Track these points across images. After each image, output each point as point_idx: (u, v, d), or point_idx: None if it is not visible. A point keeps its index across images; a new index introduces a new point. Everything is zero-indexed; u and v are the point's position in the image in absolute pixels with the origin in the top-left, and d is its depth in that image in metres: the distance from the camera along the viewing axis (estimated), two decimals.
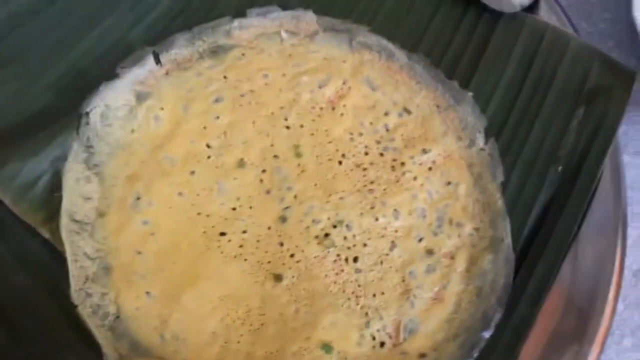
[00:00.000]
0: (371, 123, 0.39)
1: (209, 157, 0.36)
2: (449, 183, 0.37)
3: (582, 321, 0.32)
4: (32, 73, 0.37)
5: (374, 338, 0.32)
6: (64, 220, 0.33)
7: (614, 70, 0.39)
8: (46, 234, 0.33)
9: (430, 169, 0.38)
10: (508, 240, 0.35)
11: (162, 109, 0.37)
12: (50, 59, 0.38)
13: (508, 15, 0.41)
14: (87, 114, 0.35)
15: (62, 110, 0.35)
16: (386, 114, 0.39)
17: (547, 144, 0.37)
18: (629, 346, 0.35)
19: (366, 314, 0.33)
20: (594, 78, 0.39)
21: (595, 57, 0.40)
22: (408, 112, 0.40)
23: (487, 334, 0.32)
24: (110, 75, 0.36)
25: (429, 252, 0.35)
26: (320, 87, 0.40)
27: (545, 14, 0.42)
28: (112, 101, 0.36)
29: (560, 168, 0.37)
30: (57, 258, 0.33)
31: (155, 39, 0.40)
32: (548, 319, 0.32)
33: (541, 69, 0.40)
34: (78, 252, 0.33)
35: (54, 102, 0.37)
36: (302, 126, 0.38)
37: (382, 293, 0.34)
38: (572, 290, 0.33)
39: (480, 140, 0.38)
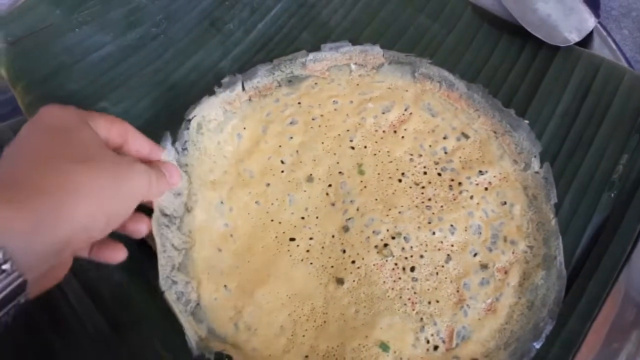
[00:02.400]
0: (430, 146, 0.42)
1: (282, 171, 0.41)
2: (504, 203, 0.40)
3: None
4: (136, 95, 0.43)
5: (428, 341, 0.35)
6: (156, 214, 0.37)
7: None
8: None
9: (486, 189, 0.40)
10: (560, 257, 0.36)
11: (244, 128, 0.42)
12: (151, 84, 0.44)
13: (564, 49, 0.44)
14: (189, 120, 0.41)
15: (158, 125, 0.41)
16: (445, 137, 0.43)
17: (601, 170, 0.39)
18: None
19: (421, 319, 0.35)
20: None
21: None
22: (466, 136, 0.43)
23: (537, 345, 0.33)
24: (209, 92, 0.42)
25: (484, 266, 0.37)
26: (383, 112, 0.44)
27: (598, 48, 0.45)
28: (207, 113, 0.41)
29: (613, 193, 0.38)
30: (146, 253, 0.38)
31: (241, 69, 0.45)
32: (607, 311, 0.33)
33: (596, 100, 0.42)
34: (166, 243, 0.37)
35: (153, 117, 0.42)
36: (365, 147, 0.42)
37: (437, 301, 0.36)
38: (628, 284, 0.34)
39: (535, 164, 0.41)
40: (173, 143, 0.39)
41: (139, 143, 0.34)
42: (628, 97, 0.41)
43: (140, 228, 0.34)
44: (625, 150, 0.39)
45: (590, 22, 0.44)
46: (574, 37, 0.44)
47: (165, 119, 0.42)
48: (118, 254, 0.34)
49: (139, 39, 0.46)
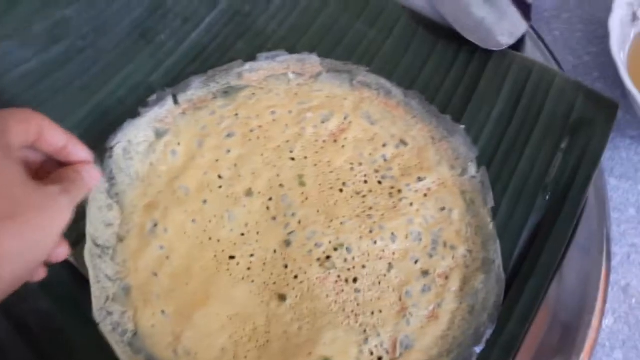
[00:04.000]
0: (370, 154, 0.42)
1: (220, 187, 0.40)
2: (443, 208, 0.40)
3: (567, 335, 0.34)
4: (62, 114, 0.41)
5: (372, 353, 0.34)
6: (88, 245, 0.36)
7: (597, 102, 0.42)
8: (71, 259, 0.37)
9: (425, 195, 0.40)
10: (499, 261, 0.37)
11: (178, 144, 0.41)
12: (77, 101, 0.42)
13: (497, 54, 0.45)
14: (112, 148, 0.39)
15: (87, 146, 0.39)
16: (384, 145, 0.42)
17: (535, 173, 0.40)
18: (620, 358, 0.37)
19: (364, 330, 0.35)
20: (578, 110, 0.42)
21: (579, 91, 0.43)
22: (404, 143, 0.43)
23: (478, 349, 0.34)
24: (133, 114, 0.40)
25: (425, 272, 0.37)
26: (323, 122, 0.43)
27: (530, 50, 0.46)
28: (133, 137, 0.40)
29: (548, 195, 0.39)
30: (78, 281, 0.36)
31: (174, 81, 0.44)
32: (535, 334, 0.34)
33: (529, 103, 0.43)
34: (100, 274, 0.36)
35: (81, 139, 0.40)
36: (306, 158, 0.42)
37: (380, 311, 0.36)
38: (558, 307, 0.35)
39: (472, 169, 0.41)
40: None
41: (54, 137, 0.32)
42: (559, 99, 0.42)
43: (59, 253, 0.32)
44: (557, 152, 0.40)
45: (523, 25, 0.45)
46: (507, 41, 0.44)
47: (94, 139, 0.40)
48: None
49: (64, 53, 0.44)
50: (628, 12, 0.44)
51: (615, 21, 0.43)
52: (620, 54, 0.43)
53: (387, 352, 0.34)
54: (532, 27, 0.46)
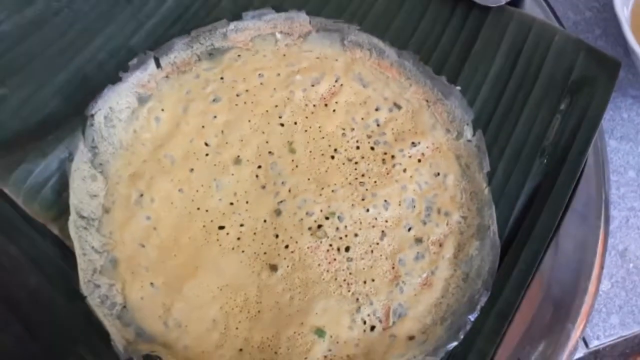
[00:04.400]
0: (362, 118, 0.41)
1: (207, 154, 0.38)
2: (437, 174, 0.39)
3: (563, 302, 0.33)
4: (40, 80, 0.39)
5: (364, 322, 0.34)
6: (72, 217, 0.35)
7: (599, 61, 0.40)
8: (56, 231, 0.36)
9: (419, 161, 0.39)
10: (494, 227, 0.36)
11: (162, 110, 0.39)
12: (56, 66, 0.40)
13: (495, 10, 0.43)
14: (92, 116, 0.37)
15: (68, 114, 0.37)
16: (377, 109, 0.41)
17: (533, 135, 0.39)
18: (616, 323, 0.37)
19: (357, 299, 0.34)
20: (579, 69, 0.40)
21: (580, 49, 0.41)
22: (398, 107, 0.41)
23: (472, 317, 0.33)
24: (114, 79, 0.38)
25: (418, 240, 0.37)
26: (313, 85, 0.41)
27: (530, 6, 0.44)
28: (115, 104, 0.38)
29: (545, 158, 0.38)
30: (66, 256, 0.35)
31: (156, 44, 0.42)
32: (530, 301, 0.33)
33: (527, 62, 0.41)
34: (86, 246, 0.35)
35: (61, 106, 0.39)
36: (295, 123, 0.40)
37: (373, 280, 0.35)
38: (553, 273, 0.34)
39: (468, 132, 0.40)
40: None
41: None
42: (559, 58, 0.41)
43: None
44: (556, 114, 0.39)
45: None
46: None
47: (75, 106, 0.38)
48: None
49: (38, 15, 0.41)
50: None
51: None
52: (623, 10, 0.41)
53: (380, 321, 0.34)
54: None
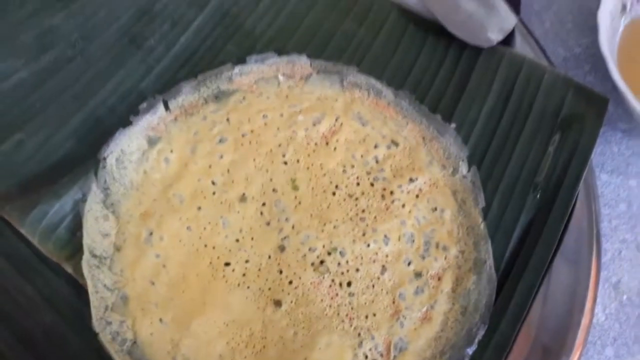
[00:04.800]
0: (362, 155, 0.42)
1: (214, 193, 0.40)
2: (435, 209, 0.40)
3: (558, 335, 0.34)
4: (54, 125, 0.41)
5: (366, 357, 0.35)
6: (85, 256, 0.37)
7: (587, 98, 0.42)
8: (70, 270, 0.37)
9: (417, 196, 0.41)
10: (490, 261, 0.37)
11: (171, 151, 0.41)
12: (70, 111, 0.42)
13: (487, 50, 0.45)
14: (105, 159, 0.39)
15: (81, 157, 0.39)
16: (376, 146, 0.43)
17: (526, 171, 0.40)
18: (611, 355, 0.37)
19: (359, 334, 0.36)
20: (568, 106, 0.42)
21: (569, 86, 0.43)
22: (396, 144, 0.43)
23: (471, 351, 0.34)
24: (125, 122, 0.40)
25: (418, 274, 0.38)
26: (314, 124, 0.43)
27: (520, 45, 0.46)
28: (126, 147, 0.40)
29: (538, 193, 0.39)
30: (80, 294, 0.37)
31: (164, 87, 0.44)
32: (526, 334, 0.35)
33: (519, 100, 0.43)
34: (98, 284, 0.36)
35: (74, 149, 0.41)
36: (298, 161, 0.42)
37: (374, 314, 0.36)
38: (548, 306, 0.35)
39: (463, 168, 0.41)
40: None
41: None
42: (549, 95, 0.42)
43: None
44: (547, 150, 0.41)
45: (512, 20, 0.45)
46: (497, 37, 0.44)
47: (88, 148, 0.40)
48: None
49: (53, 62, 0.43)
50: (617, 3, 0.44)
51: (604, 14, 0.43)
52: (610, 47, 0.43)
53: (382, 355, 0.35)
54: (521, 21, 0.46)
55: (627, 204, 0.42)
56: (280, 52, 0.46)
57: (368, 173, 0.42)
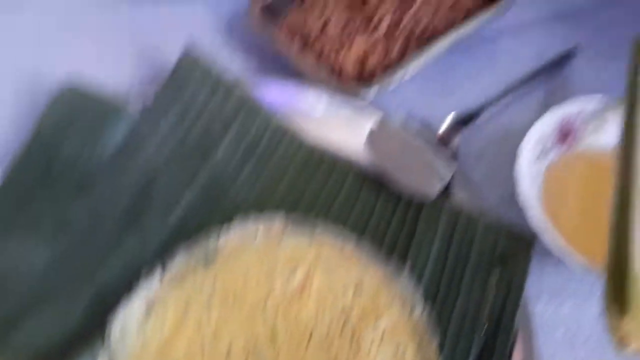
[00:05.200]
0: (332, 302, 0.49)
1: (203, 350, 0.46)
2: (397, 350, 0.46)
3: None
4: (61, 303, 0.48)
5: None
6: None
7: (516, 239, 0.50)
8: None
9: (381, 338, 0.47)
10: None
11: (166, 316, 0.48)
12: (75, 290, 0.49)
13: (429, 202, 0.53)
14: (108, 330, 0.46)
15: (86, 331, 0.46)
16: (344, 293, 0.50)
17: (471, 309, 0.47)
18: None
19: None
20: (501, 247, 0.49)
21: (501, 230, 0.50)
22: (361, 289, 0.50)
23: None
24: (127, 294, 0.48)
25: None
26: (290, 276, 0.51)
27: (459, 189, 0.54)
28: (127, 320, 0.47)
29: (483, 330, 0.46)
30: None
31: (161, 256, 0.51)
32: None
33: (460, 244, 0.50)
34: None
35: (79, 324, 0.47)
36: (277, 313, 0.49)
37: None
38: None
39: (418, 309, 0.48)
40: None
41: None
42: (484, 239, 0.50)
43: None
44: (486, 290, 0.47)
45: (449, 171, 0.54)
46: (435, 190, 0.52)
47: (92, 323, 0.47)
48: None
49: (67, 245, 0.51)
50: (535, 152, 0.53)
51: (523, 166, 0.51)
52: (532, 192, 0.51)
53: None
54: (459, 170, 0.55)
55: (564, 329, 0.48)
56: (260, 214, 0.54)
57: (338, 319, 0.48)
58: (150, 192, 0.55)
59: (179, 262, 0.51)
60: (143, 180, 0.56)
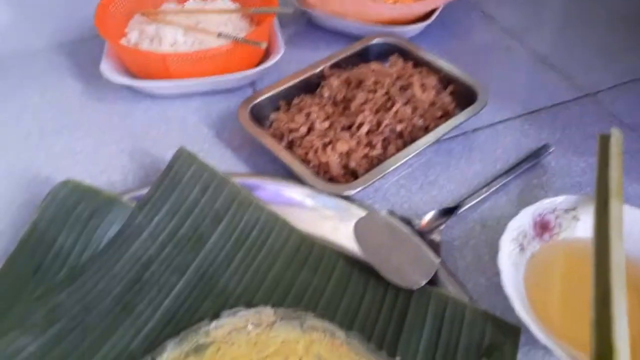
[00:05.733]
0: None
1: None
2: None
3: None
4: None
5: None
6: None
7: (502, 329, 0.51)
8: None
9: None
10: None
11: None
12: None
13: (417, 290, 0.54)
14: None
15: None
16: None
17: None
18: None
19: None
20: (488, 336, 0.50)
21: (487, 319, 0.52)
22: None
23: None
24: None
25: None
26: None
27: (444, 281, 0.56)
28: None
29: None
30: None
31: (151, 346, 0.51)
32: None
33: (449, 333, 0.51)
34: None
35: None
36: None
37: None
38: None
39: None
40: None
41: None
42: (471, 328, 0.51)
43: None
44: None
45: (435, 263, 0.56)
46: (422, 280, 0.54)
47: None
48: None
49: (57, 335, 0.51)
50: (515, 247, 0.55)
51: (504, 259, 0.53)
52: (514, 283, 0.53)
53: None
54: (442, 262, 0.57)
55: None
56: (249, 304, 0.55)
57: None
58: (142, 281, 0.56)
59: (170, 351, 0.51)
60: (135, 270, 0.57)
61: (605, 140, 0.65)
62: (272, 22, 0.87)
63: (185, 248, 0.59)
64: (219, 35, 0.82)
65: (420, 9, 0.91)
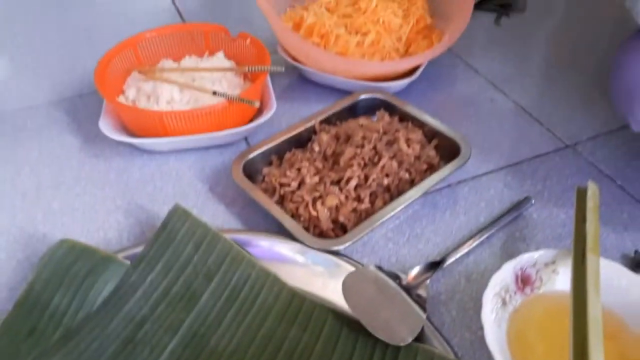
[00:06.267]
0: None
1: None
2: None
3: None
4: None
5: None
6: None
7: None
8: None
9: None
10: None
11: None
12: None
13: (405, 346, 0.56)
14: None
15: None
16: None
17: None
18: None
19: None
20: None
21: None
22: None
23: None
24: None
25: None
26: None
27: (430, 336, 0.57)
28: None
29: None
30: None
31: None
32: None
33: None
34: None
35: None
36: None
37: None
38: None
39: None
40: None
41: None
42: None
43: None
44: None
45: (421, 320, 0.57)
46: (409, 337, 0.56)
47: None
48: None
49: None
50: (497, 302, 0.57)
51: (487, 314, 0.55)
52: (497, 337, 0.54)
53: None
54: (428, 318, 0.59)
55: None
56: None
57: None
58: (135, 340, 0.57)
59: None
60: (129, 329, 0.58)
61: (582, 194, 0.68)
62: (265, 79, 0.91)
63: (178, 306, 0.60)
64: (214, 93, 0.86)
65: (405, 65, 0.95)
